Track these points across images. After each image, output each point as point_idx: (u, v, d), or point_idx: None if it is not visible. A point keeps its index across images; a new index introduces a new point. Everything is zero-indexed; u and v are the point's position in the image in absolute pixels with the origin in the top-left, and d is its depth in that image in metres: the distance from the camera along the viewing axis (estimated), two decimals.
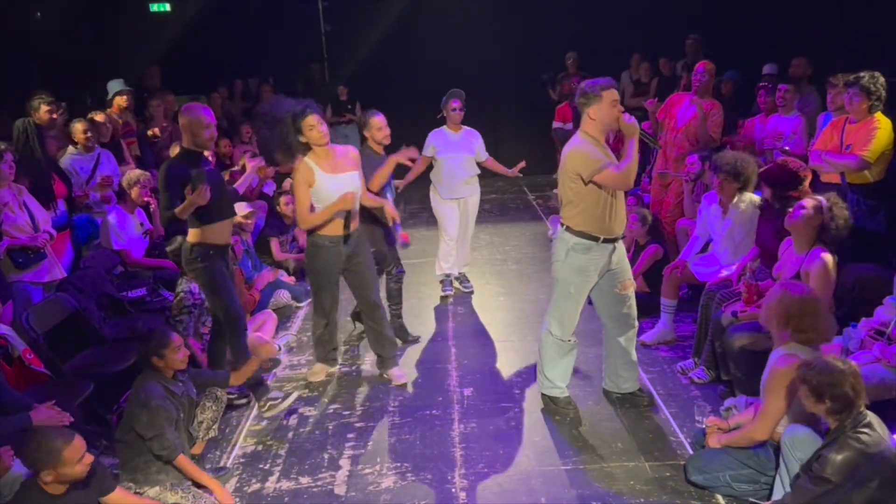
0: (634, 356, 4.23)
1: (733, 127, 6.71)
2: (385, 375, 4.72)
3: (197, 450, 3.74)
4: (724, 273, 4.72)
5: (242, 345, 4.24)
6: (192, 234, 4.09)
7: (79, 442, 2.82)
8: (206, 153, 4.20)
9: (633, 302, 4.16)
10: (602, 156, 3.79)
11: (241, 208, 6.00)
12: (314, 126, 4.16)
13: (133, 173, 5.41)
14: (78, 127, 5.64)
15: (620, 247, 4.05)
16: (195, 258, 4.10)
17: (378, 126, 4.92)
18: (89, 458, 2.85)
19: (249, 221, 6.07)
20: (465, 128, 5.87)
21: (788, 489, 3.07)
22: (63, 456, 2.75)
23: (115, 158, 5.94)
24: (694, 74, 6.07)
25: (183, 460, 3.43)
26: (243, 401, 4.45)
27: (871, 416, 2.85)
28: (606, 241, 3.90)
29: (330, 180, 4.24)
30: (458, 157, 5.82)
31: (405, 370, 4.78)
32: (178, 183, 3.93)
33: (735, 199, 4.80)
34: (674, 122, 6.09)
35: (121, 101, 6.68)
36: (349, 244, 4.42)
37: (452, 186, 5.87)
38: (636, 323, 4.19)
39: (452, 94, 5.78)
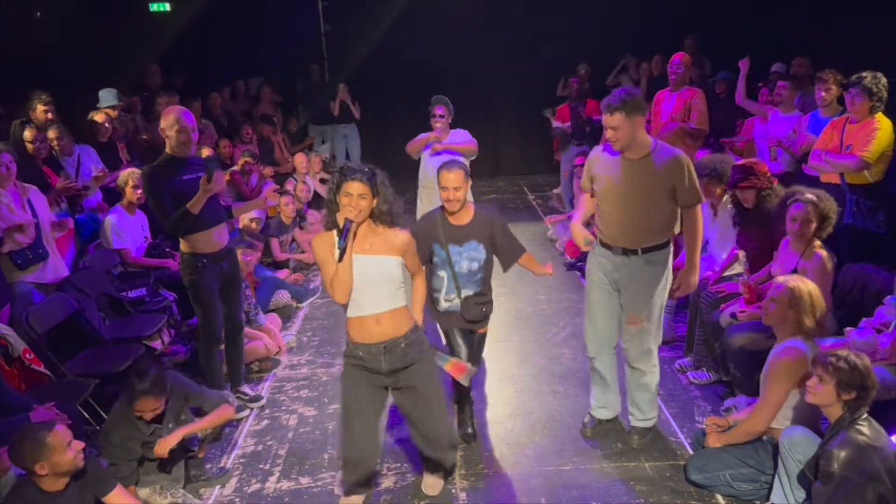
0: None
1: (731, 128, 6.70)
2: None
3: (199, 452, 3.72)
4: (707, 273, 4.73)
5: (214, 365, 4.23)
6: (183, 244, 4.09)
7: (61, 429, 2.82)
8: (205, 153, 4.16)
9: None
10: None
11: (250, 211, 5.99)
12: (352, 195, 2.92)
13: (123, 173, 5.38)
14: (50, 135, 5.55)
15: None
16: (185, 269, 4.11)
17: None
18: (79, 445, 2.84)
19: (254, 225, 6.08)
20: (454, 132, 5.41)
21: (788, 490, 3.08)
22: (48, 443, 2.73)
23: (96, 155, 5.88)
24: (669, 66, 6.13)
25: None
26: (244, 413, 4.40)
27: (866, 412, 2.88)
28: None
29: (354, 260, 3.00)
30: None
31: None
32: (163, 188, 3.89)
33: (723, 200, 4.79)
34: (659, 119, 6.12)
35: (108, 111, 6.56)
36: (396, 354, 3.13)
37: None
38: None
39: (436, 100, 5.35)
